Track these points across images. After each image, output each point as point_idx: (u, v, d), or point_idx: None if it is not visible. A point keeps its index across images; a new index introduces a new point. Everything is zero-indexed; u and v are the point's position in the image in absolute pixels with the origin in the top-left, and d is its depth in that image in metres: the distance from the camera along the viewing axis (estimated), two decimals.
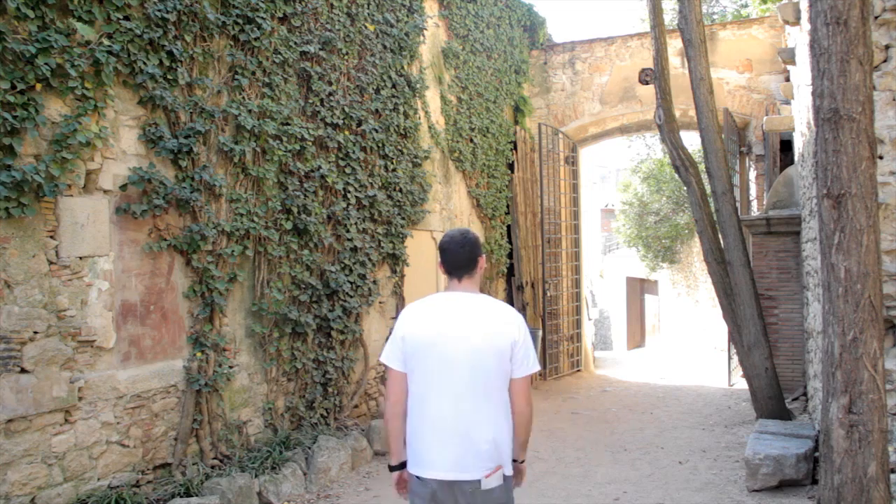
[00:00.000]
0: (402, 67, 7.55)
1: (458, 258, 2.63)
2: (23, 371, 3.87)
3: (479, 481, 2.49)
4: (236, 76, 5.33)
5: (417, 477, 2.57)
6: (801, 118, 7.16)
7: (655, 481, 5.57)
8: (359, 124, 6.76)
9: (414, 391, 2.60)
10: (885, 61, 4.24)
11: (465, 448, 2.50)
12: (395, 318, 7.52)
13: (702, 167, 7.46)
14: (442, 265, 2.68)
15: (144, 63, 4.55)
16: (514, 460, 2.65)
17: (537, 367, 2.60)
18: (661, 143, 11.49)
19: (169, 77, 4.74)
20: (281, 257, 5.77)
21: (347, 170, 6.58)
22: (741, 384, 9.58)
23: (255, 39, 5.46)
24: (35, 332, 3.93)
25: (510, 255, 10.48)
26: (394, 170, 7.30)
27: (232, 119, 5.30)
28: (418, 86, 7.80)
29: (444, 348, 2.53)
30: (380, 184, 7.07)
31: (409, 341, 2.59)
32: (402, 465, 2.67)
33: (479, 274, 2.68)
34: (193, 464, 4.86)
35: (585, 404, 8.95)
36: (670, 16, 13.85)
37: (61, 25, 4.04)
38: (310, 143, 6.07)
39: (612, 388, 10.36)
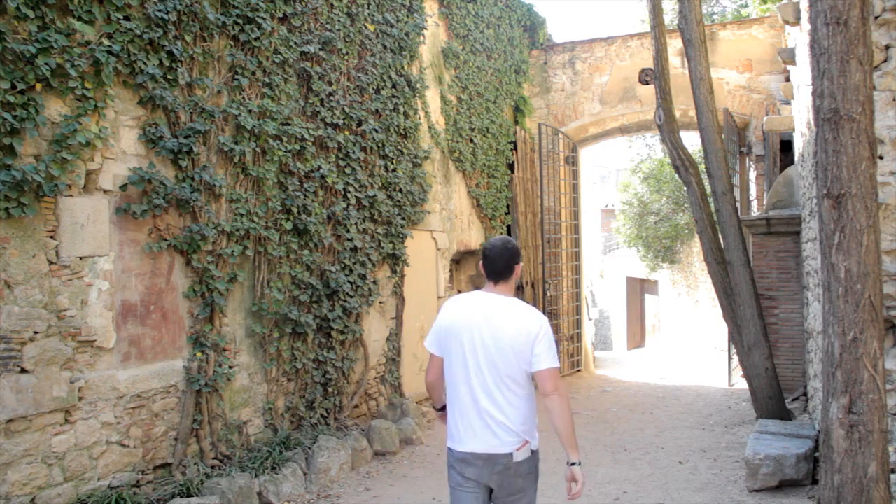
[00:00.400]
0: (402, 67, 7.55)
1: (496, 264, 2.95)
2: (23, 371, 3.87)
3: (510, 454, 2.80)
4: (236, 76, 5.33)
5: (450, 449, 2.92)
6: (801, 118, 7.16)
7: (655, 481, 5.57)
8: (359, 124, 6.76)
9: (447, 373, 2.98)
10: (885, 61, 4.24)
11: (491, 427, 2.82)
12: (395, 318, 7.54)
13: (702, 167, 7.45)
14: (483, 268, 3.01)
15: (144, 63, 4.55)
16: (569, 463, 2.83)
17: (556, 364, 2.83)
18: (661, 143, 11.49)
19: (169, 77, 4.74)
20: (281, 257, 5.77)
21: (347, 170, 6.58)
22: (741, 384, 9.58)
23: (255, 39, 5.46)
24: (35, 332, 3.93)
25: None
26: (394, 170, 7.30)
27: (232, 119, 5.30)
28: (418, 86, 7.80)
29: (472, 338, 2.87)
30: (380, 184, 7.07)
31: (443, 329, 2.97)
32: (445, 408, 3.05)
33: (514, 280, 3.00)
34: (194, 464, 4.86)
35: (585, 404, 8.95)
36: (670, 16, 13.85)
37: (61, 25, 4.04)
38: (310, 143, 6.07)
39: (612, 388, 10.36)
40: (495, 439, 2.81)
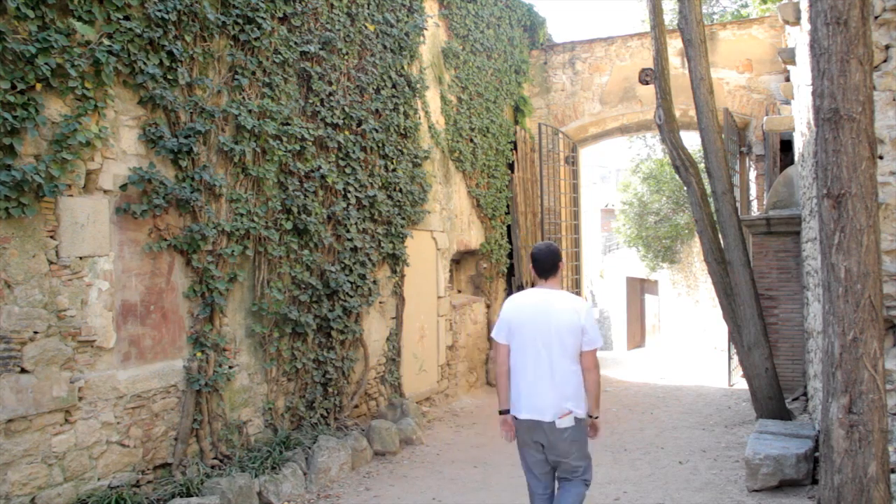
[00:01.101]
0: (402, 67, 7.55)
1: (545, 264, 3.65)
2: (23, 371, 3.87)
3: (553, 423, 3.49)
4: (236, 76, 5.33)
5: (515, 417, 3.64)
6: (801, 118, 7.16)
7: (655, 481, 5.57)
8: (359, 124, 6.76)
9: (513, 358, 3.64)
10: (885, 61, 4.24)
11: (547, 398, 3.51)
12: (395, 318, 7.55)
13: (702, 167, 7.45)
14: (533, 269, 3.71)
15: (144, 63, 4.55)
16: (590, 416, 3.62)
17: (601, 343, 3.56)
18: (661, 143, 11.49)
19: (169, 77, 4.74)
20: (281, 257, 5.77)
21: (347, 170, 6.58)
22: (741, 384, 9.57)
23: (255, 39, 5.46)
24: (35, 332, 3.93)
25: (510, 255, 10.48)
26: (394, 170, 7.30)
27: (232, 119, 5.30)
28: (418, 86, 7.80)
29: (534, 327, 3.55)
30: (380, 184, 7.07)
31: (509, 320, 3.64)
32: (507, 411, 3.68)
33: (560, 274, 3.71)
34: (194, 464, 4.86)
35: None
36: (670, 16, 13.84)
37: (61, 25, 4.04)
38: (310, 143, 6.07)
39: (612, 388, 10.35)
40: (545, 409, 3.49)
